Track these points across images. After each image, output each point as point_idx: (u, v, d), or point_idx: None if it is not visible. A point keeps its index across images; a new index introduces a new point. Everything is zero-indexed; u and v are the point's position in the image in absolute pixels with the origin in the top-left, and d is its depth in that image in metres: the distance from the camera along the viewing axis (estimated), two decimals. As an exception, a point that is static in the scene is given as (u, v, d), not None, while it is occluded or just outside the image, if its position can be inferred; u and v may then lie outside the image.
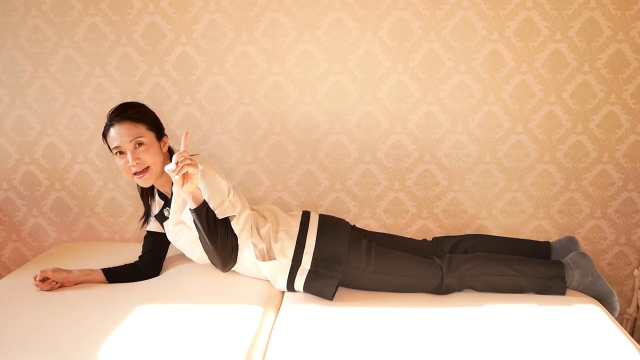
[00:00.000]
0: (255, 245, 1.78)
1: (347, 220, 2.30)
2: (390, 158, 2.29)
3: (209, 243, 1.63)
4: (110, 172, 2.33)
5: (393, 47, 2.17)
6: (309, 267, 1.74)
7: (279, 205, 2.33)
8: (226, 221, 1.67)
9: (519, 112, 2.22)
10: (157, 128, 1.75)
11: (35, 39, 2.21)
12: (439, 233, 2.36)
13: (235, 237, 1.71)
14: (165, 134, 1.79)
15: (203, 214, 1.60)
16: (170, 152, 1.82)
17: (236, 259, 1.75)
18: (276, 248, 1.79)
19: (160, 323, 1.55)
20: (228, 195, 1.75)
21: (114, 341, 1.45)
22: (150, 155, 1.69)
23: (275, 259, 1.77)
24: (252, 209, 1.93)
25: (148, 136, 1.70)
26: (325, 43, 2.18)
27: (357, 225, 2.27)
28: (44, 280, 1.78)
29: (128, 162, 1.67)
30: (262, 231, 1.82)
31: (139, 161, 1.67)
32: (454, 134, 2.25)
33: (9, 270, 2.46)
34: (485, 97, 2.21)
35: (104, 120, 2.26)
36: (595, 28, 2.13)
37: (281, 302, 1.78)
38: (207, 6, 2.16)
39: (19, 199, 2.38)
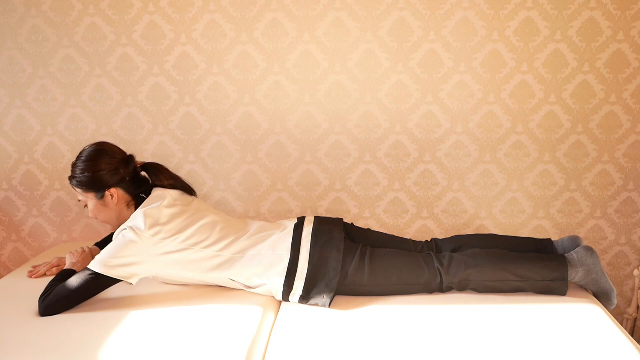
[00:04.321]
0: (233, 280, 1.74)
1: (346, 220, 2.29)
2: (390, 158, 2.28)
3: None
4: (110, 172, 2.33)
5: (393, 47, 2.17)
6: (300, 293, 1.70)
7: (279, 205, 2.33)
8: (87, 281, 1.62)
9: (519, 112, 2.22)
10: (96, 188, 1.71)
11: (35, 39, 2.21)
12: (439, 233, 2.36)
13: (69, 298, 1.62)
14: (111, 188, 1.72)
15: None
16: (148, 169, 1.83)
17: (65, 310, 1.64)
18: (265, 276, 1.72)
19: (160, 323, 1.55)
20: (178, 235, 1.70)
21: (114, 341, 1.44)
22: (95, 213, 1.76)
23: (264, 284, 1.73)
24: (236, 231, 1.81)
25: (87, 196, 1.75)
26: (325, 43, 2.18)
27: (357, 225, 2.25)
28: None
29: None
30: (250, 268, 1.73)
31: (95, 216, 1.78)
32: (454, 134, 2.25)
33: (9, 270, 2.45)
34: (485, 97, 2.21)
35: (104, 120, 2.28)
36: (595, 28, 2.13)
37: (281, 302, 1.78)
38: (207, 6, 2.16)
39: (19, 199, 2.38)
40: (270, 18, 2.16)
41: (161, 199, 1.74)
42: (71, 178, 1.74)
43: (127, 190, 1.76)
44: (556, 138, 2.25)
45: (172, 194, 1.78)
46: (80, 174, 1.70)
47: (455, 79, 2.20)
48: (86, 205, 1.77)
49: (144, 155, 2.30)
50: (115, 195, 1.73)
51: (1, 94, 2.27)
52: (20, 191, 2.37)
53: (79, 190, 1.73)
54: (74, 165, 1.73)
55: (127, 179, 1.76)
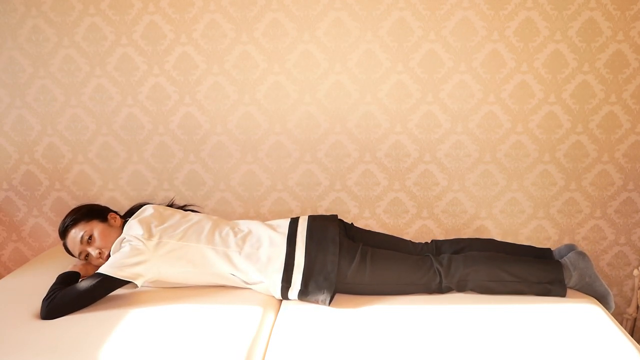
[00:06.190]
0: (234, 275, 1.76)
1: (346, 220, 2.29)
2: (390, 158, 2.29)
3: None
4: (111, 172, 2.33)
5: (393, 47, 2.18)
6: (299, 287, 1.71)
7: (279, 206, 2.33)
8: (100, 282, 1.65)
9: (519, 112, 2.22)
10: (96, 215, 1.85)
11: (35, 39, 2.21)
12: (439, 233, 2.36)
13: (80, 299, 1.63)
14: (111, 212, 1.90)
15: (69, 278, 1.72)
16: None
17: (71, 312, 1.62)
18: (263, 273, 1.74)
19: (160, 323, 1.55)
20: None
21: (113, 341, 1.45)
22: (105, 237, 1.79)
23: (262, 281, 1.75)
24: (235, 232, 1.84)
25: (91, 225, 1.81)
26: (325, 43, 2.18)
27: (357, 225, 2.25)
28: None
29: (93, 258, 1.80)
30: (248, 264, 1.75)
31: (100, 250, 1.78)
32: (454, 134, 2.25)
33: (9, 270, 2.45)
34: (485, 97, 2.22)
35: (104, 120, 2.28)
36: (595, 28, 2.13)
37: (281, 302, 1.78)
38: (207, 6, 2.16)
39: (19, 199, 2.38)
40: (270, 18, 2.16)
41: (149, 208, 1.86)
42: (65, 228, 1.82)
43: (122, 218, 1.92)
44: (556, 138, 2.25)
45: (158, 205, 1.94)
46: (77, 212, 1.84)
47: (455, 79, 2.20)
48: (87, 256, 1.81)
49: (144, 155, 2.30)
50: (117, 217, 1.89)
51: (1, 94, 2.27)
52: (20, 191, 2.37)
53: (79, 226, 1.80)
54: (66, 217, 1.84)
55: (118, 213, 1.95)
